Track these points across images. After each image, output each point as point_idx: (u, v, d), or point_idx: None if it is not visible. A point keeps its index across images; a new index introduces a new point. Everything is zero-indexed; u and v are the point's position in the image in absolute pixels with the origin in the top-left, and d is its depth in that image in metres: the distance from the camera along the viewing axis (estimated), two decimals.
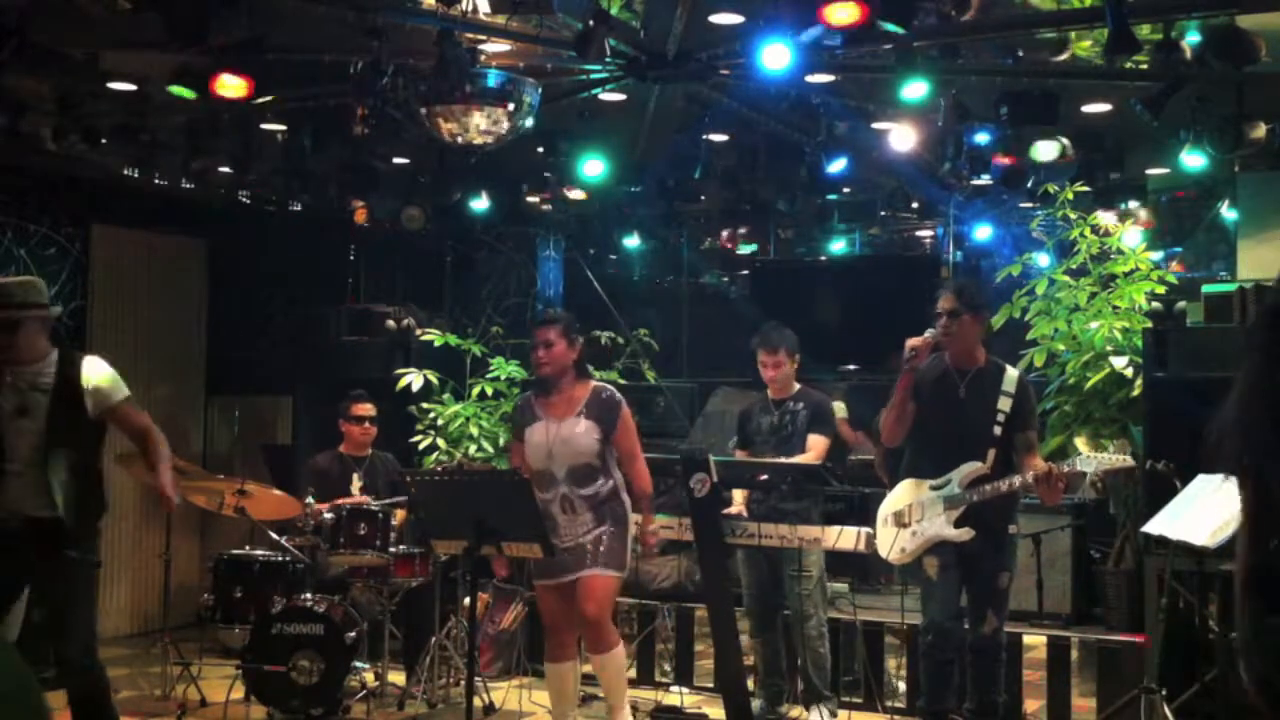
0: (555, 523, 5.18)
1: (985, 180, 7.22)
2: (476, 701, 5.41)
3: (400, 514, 6.70)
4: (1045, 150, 6.45)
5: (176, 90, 5.43)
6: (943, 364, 5.28)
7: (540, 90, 5.56)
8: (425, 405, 8.01)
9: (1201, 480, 5.19)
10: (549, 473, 5.23)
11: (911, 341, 5.15)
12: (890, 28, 4.64)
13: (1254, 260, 6.78)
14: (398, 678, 6.75)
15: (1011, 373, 5.27)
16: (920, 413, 5.25)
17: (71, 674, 4.82)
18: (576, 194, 8.23)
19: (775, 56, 5.06)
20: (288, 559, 6.57)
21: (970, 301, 5.23)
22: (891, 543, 5.28)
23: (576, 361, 5.36)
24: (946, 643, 5.16)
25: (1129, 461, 5.15)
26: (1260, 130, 5.77)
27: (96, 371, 4.88)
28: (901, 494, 5.31)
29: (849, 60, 5.61)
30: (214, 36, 4.89)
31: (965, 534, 5.09)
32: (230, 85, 5.29)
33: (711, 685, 6.66)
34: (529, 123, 5.56)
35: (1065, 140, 6.49)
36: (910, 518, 5.22)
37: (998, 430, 5.12)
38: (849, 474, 7.15)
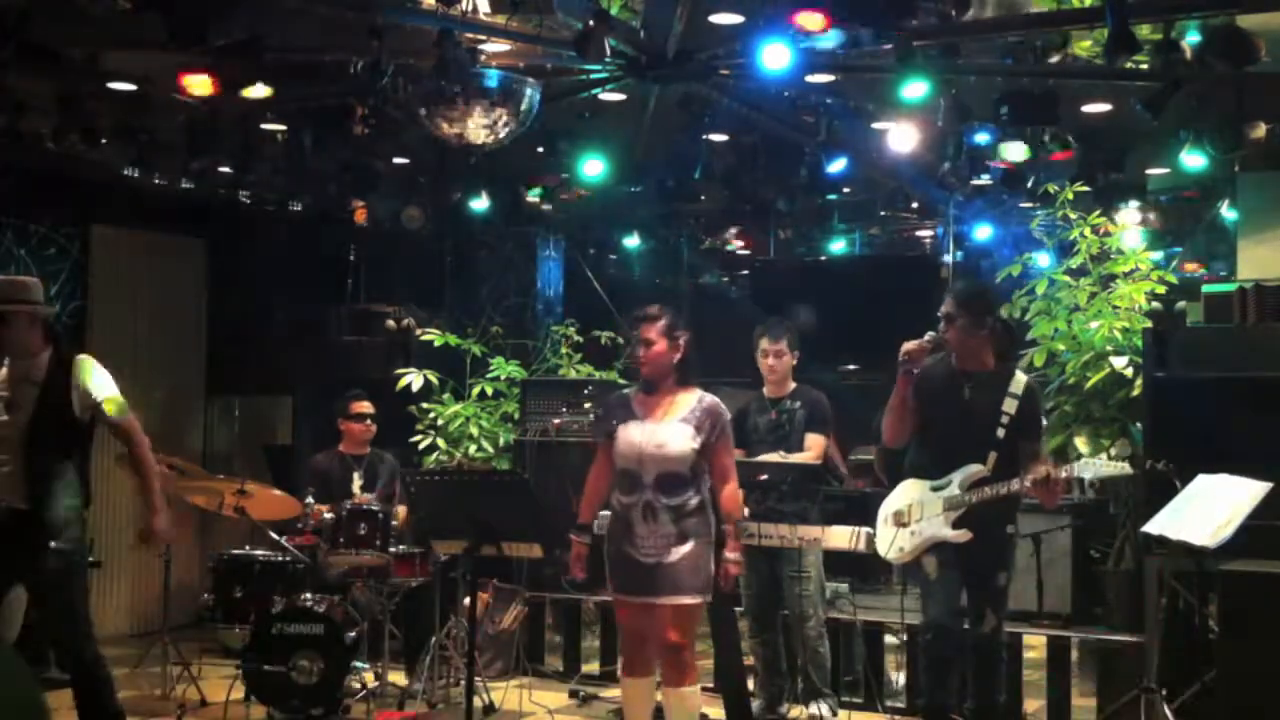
0: (633, 531, 4.82)
1: (985, 180, 7.21)
2: (476, 701, 5.41)
3: (401, 512, 6.70)
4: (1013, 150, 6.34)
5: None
6: (949, 364, 5.24)
7: (540, 90, 5.55)
8: (425, 405, 8.02)
9: (1201, 480, 5.19)
10: (636, 475, 4.85)
11: (906, 346, 5.06)
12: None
13: (1254, 260, 6.77)
14: (398, 678, 6.74)
15: (1021, 377, 5.20)
16: (924, 412, 5.21)
17: (70, 666, 4.89)
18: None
19: (775, 56, 5.06)
20: (288, 559, 6.58)
21: (967, 307, 5.15)
22: (891, 542, 5.28)
23: (680, 362, 4.97)
24: (946, 641, 5.15)
25: (1127, 469, 5.13)
26: (1260, 130, 5.76)
27: (87, 370, 4.99)
28: (902, 494, 5.30)
29: (849, 60, 5.61)
30: (214, 36, 4.89)
31: (963, 535, 5.08)
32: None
33: (711, 685, 6.66)
34: (529, 122, 5.56)
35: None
36: (910, 517, 5.21)
37: (1001, 433, 5.07)
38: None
